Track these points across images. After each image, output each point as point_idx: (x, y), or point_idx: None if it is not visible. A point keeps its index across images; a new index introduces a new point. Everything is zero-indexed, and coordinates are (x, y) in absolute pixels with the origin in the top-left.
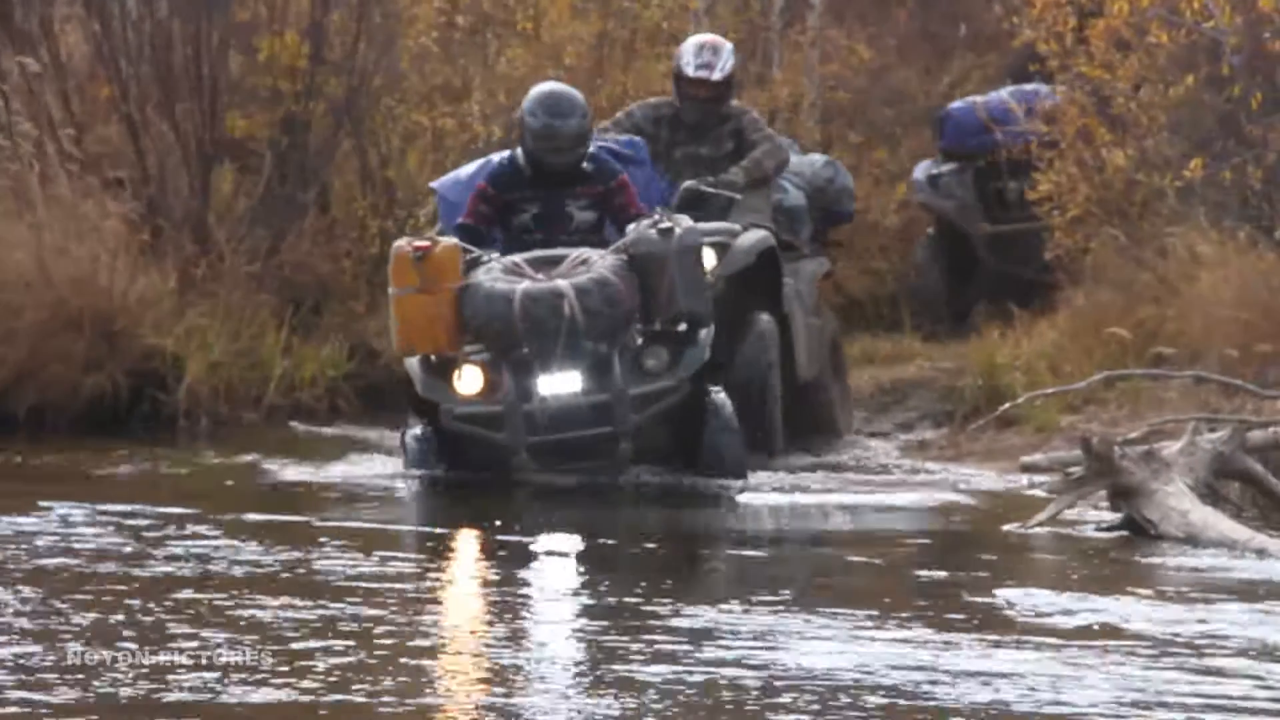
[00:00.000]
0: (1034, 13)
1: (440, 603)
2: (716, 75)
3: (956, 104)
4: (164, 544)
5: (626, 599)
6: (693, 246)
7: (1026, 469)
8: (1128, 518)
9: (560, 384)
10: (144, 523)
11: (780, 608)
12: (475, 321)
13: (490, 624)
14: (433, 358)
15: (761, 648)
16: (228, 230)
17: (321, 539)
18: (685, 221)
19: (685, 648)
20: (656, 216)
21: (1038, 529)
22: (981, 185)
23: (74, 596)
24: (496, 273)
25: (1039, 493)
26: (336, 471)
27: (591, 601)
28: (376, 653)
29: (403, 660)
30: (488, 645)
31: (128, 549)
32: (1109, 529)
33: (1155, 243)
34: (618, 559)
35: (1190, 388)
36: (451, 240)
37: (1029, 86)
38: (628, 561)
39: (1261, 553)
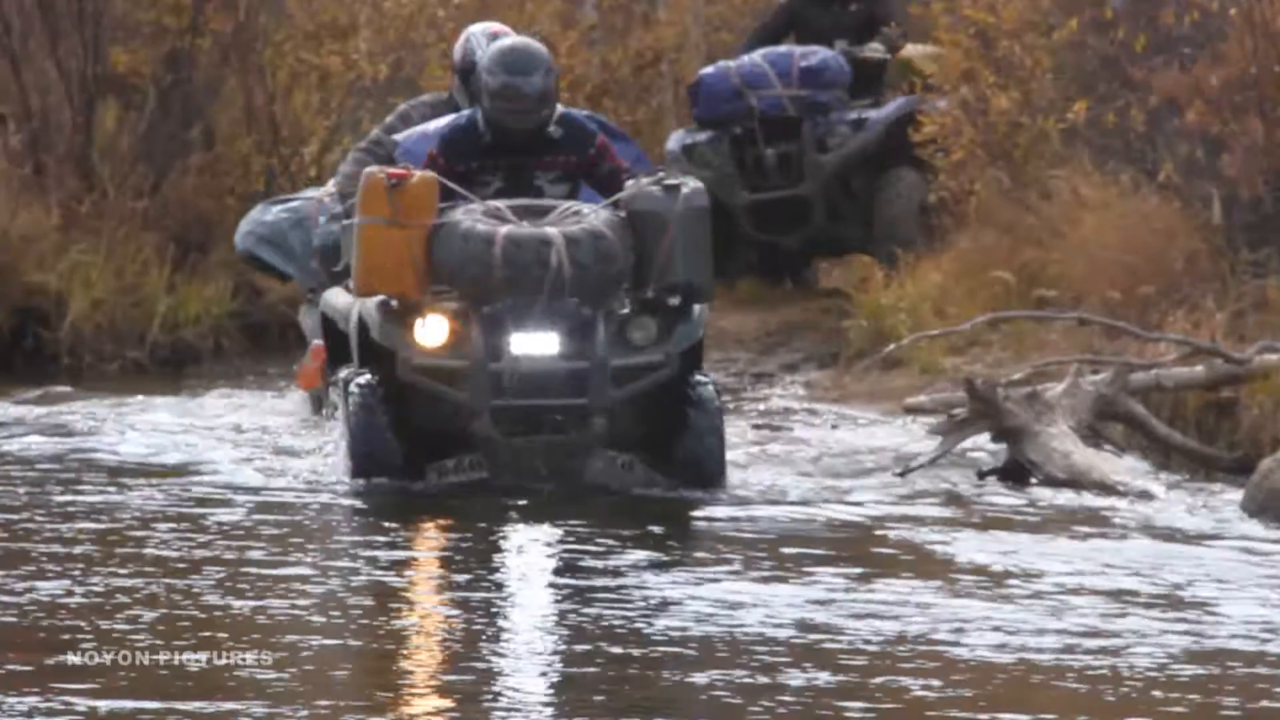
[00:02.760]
0: None
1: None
2: None
3: (708, 70)
4: None
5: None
6: (700, 210)
7: (910, 410)
8: (1010, 460)
9: (535, 344)
10: None
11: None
12: (449, 264)
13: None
14: (393, 301)
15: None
16: (111, 167)
17: None
18: (692, 181)
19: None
20: (660, 171)
21: (920, 470)
22: (738, 153)
23: None
24: (476, 214)
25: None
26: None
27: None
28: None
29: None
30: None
31: None
32: (991, 471)
33: (1039, 185)
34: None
35: (1073, 330)
36: (429, 173)
37: (782, 49)
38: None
39: (1143, 494)
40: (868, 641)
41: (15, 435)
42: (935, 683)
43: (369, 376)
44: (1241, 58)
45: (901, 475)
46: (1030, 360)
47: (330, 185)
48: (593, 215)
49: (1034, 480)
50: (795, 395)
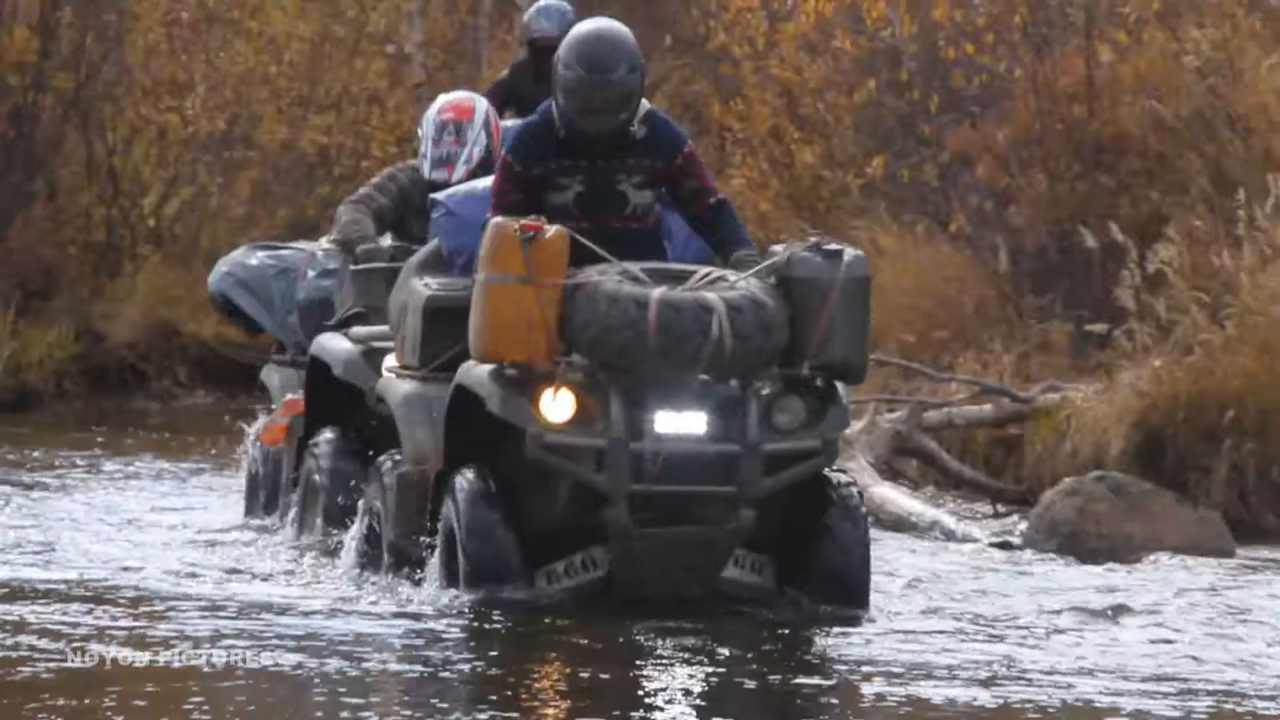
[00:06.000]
0: (727, 17)
1: None
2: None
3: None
4: None
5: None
6: (863, 279)
7: None
8: None
9: (681, 423)
10: None
11: None
12: (592, 329)
13: None
14: (510, 370)
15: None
16: None
17: None
18: (851, 247)
19: None
20: (815, 236)
21: None
22: None
23: None
24: (613, 275)
25: None
26: None
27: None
28: None
29: None
30: None
31: None
32: None
33: (841, 235)
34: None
35: (872, 370)
36: (562, 228)
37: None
38: None
39: (934, 525)
40: None
41: None
42: None
43: (474, 470)
44: (1027, 116)
45: None
46: None
47: (324, 241)
48: (743, 282)
49: None
50: None
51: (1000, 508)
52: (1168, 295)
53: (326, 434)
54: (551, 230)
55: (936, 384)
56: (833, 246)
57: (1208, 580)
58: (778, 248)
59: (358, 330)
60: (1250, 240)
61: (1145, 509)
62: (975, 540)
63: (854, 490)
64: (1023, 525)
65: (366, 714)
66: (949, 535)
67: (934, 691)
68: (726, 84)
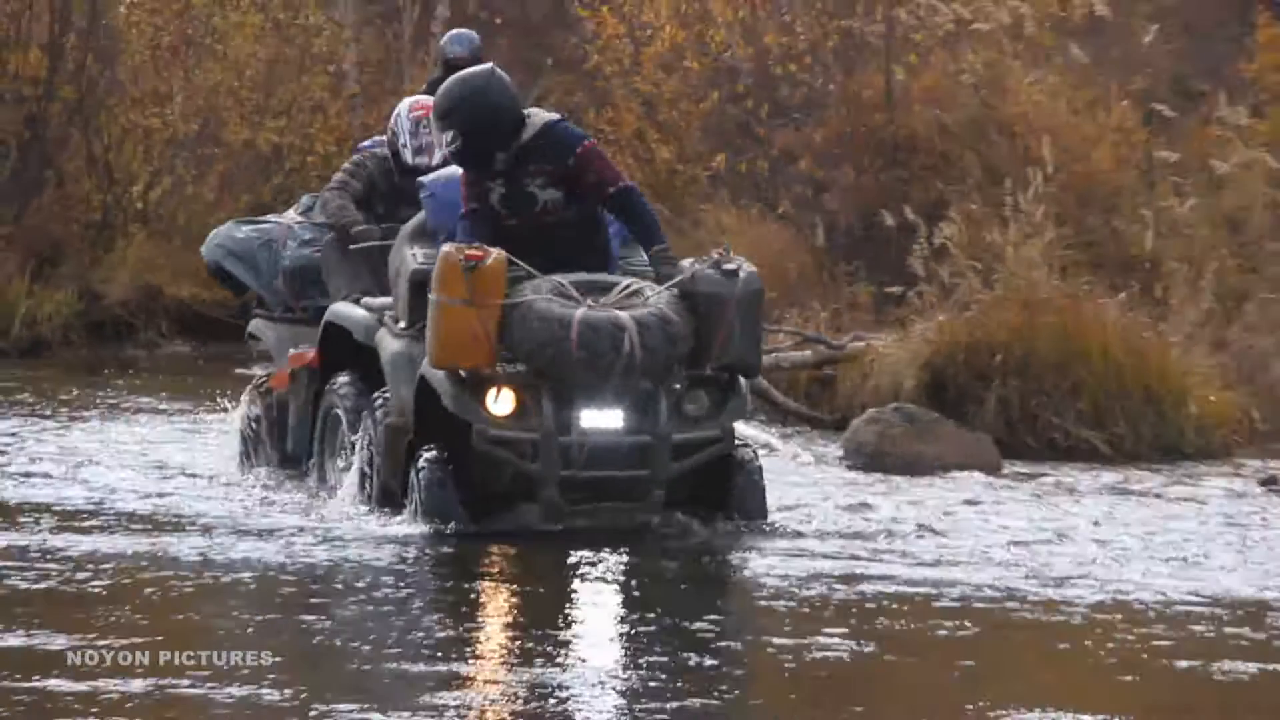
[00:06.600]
0: (600, 42)
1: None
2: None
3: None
4: None
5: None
6: (757, 292)
7: None
8: None
9: (602, 419)
10: None
11: None
12: (525, 344)
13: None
14: (463, 372)
15: None
16: None
17: None
18: (746, 263)
19: None
20: (717, 254)
21: None
22: None
23: None
24: (545, 293)
25: None
26: None
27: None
28: None
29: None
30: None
31: None
32: None
33: (692, 216)
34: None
35: None
36: (500, 252)
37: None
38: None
39: (767, 446)
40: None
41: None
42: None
43: (435, 451)
44: (838, 122)
45: None
46: None
47: (293, 212)
48: (655, 297)
49: None
50: None
51: (818, 433)
52: (950, 264)
53: (344, 376)
54: (491, 258)
55: (767, 334)
56: (731, 265)
57: (980, 488)
58: (685, 263)
59: (370, 300)
60: (1015, 220)
61: (932, 433)
62: (797, 457)
63: (749, 450)
64: (835, 447)
65: (351, 617)
66: (774, 454)
67: (866, 587)
68: (599, 96)
